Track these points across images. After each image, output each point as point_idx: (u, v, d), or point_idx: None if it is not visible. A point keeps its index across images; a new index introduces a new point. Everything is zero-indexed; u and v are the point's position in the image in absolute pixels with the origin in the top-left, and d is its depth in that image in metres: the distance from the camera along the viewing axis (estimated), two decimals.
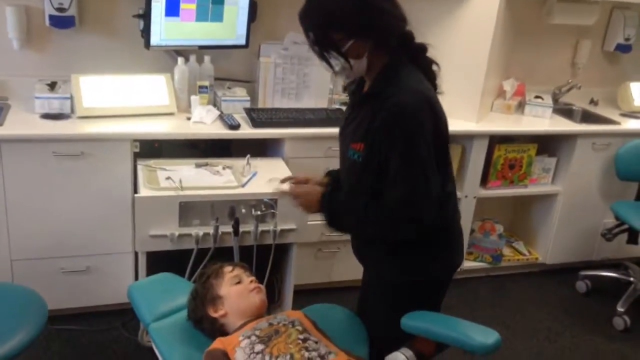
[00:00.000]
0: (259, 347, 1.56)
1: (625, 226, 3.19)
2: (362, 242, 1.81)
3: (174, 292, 1.94)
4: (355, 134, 1.62)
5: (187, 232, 2.38)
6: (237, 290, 1.74)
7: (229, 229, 2.41)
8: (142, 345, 2.60)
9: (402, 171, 1.51)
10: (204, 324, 1.75)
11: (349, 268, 2.55)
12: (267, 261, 2.53)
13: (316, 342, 1.59)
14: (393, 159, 1.52)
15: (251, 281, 1.77)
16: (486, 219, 3.42)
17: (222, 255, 2.38)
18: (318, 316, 1.80)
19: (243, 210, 2.42)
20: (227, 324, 1.72)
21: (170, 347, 1.73)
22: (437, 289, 1.78)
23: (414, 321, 1.62)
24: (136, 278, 2.56)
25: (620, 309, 3.12)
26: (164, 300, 1.90)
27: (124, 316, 2.75)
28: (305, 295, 2.78)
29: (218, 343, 1.62)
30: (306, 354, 1.53)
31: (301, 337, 1.60)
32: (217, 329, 1.72)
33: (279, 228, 2.48)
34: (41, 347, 2.57)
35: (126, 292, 1.95)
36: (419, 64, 1.62)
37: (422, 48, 1.63)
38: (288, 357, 1.51)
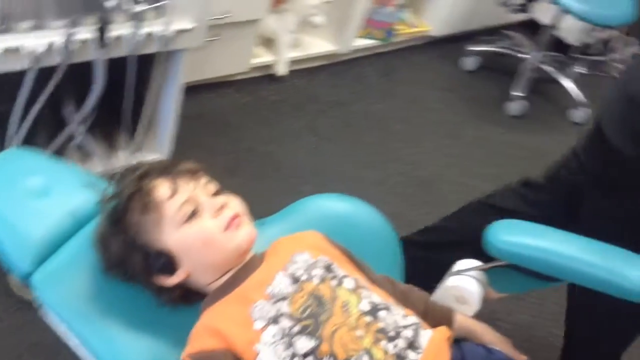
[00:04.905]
0: (304, 342, 0.83)
1: None
2: None
3: (48, 192, 1.03)
4: None
5: (12, 46, 1.32)
6: (198, 235, 0.89)
7: (88, 35, 1.40)
8: None
9: None
10: (150, 291, 0.94)
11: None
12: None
13: (386, 309, 0.90)
14: None
15: (221, 207, 0.90)
16: None
17: (78, 76, 1.42)
18: (331, 229, 1.04)
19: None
20: (194, 283, 0.93)
21: (83, 319, 0.92)
22: None
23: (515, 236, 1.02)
24: None
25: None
26: (38, 215, 1.00)
27: None
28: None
29: (208, 333, 0.85)
30: (390, 347, 0.85)
31: (365, 307, 0.89)
32: (177, 297, 0.93)
33: (171, 28, 1.52)
34: None
35: None
36: None
37: None
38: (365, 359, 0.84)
